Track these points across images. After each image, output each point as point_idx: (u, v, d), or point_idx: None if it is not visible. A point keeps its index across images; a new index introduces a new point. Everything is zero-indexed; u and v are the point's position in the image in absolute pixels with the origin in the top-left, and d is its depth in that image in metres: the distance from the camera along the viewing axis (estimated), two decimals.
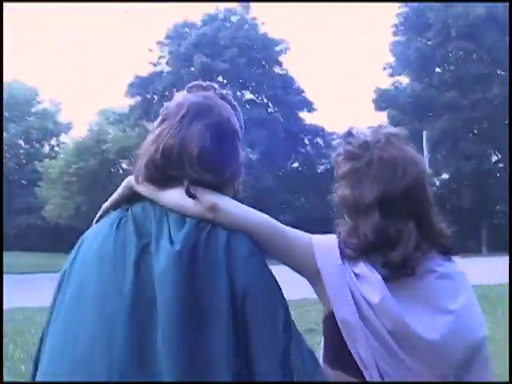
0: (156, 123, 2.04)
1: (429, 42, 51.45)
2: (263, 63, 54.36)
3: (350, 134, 2.17)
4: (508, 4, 36.50)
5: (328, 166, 45.74)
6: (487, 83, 47.16)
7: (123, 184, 2.07)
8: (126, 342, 1.67)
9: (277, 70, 55.41)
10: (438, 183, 54.24)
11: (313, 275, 1.98)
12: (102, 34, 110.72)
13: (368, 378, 1.89)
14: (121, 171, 56.50)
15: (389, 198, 1.99)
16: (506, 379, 5.54)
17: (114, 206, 2.05)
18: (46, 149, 65.48)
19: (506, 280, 18.51)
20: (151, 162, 1.93)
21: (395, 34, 53.37)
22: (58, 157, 55.94)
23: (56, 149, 64.71)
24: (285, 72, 55.52)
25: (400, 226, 1.98)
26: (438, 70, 51.90)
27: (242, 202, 1.97)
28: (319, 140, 56.23)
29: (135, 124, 54.57)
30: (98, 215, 2.08)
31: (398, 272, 1.94)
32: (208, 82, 2.14)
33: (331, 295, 1.93)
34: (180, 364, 1.63)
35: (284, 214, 40.28)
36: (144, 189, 1.96)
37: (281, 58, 55.17)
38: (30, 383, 1.94)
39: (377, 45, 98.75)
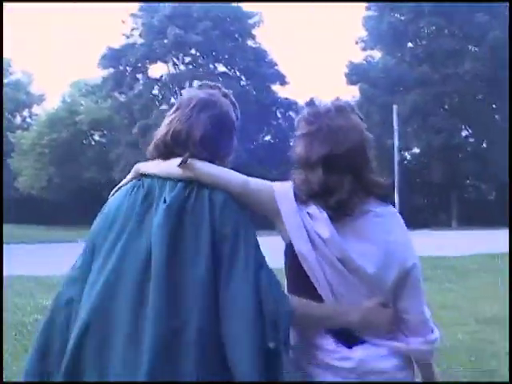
0: (171, 111, 2.60)
1: (401, 17, 51.56)
2: (236, 36, 53.97)
3: (311, 102, 2.69)
4: (508, 4, 36.71)
5: None
6: (458, 58, 47.41)
7: (133, 170, 2.60)
8: (133, 284, 2.22)
9: (250, 42, 54.94)
10: (408, 157, 54.70)
11: (275, 215, 2.47)
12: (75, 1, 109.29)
13: (324, 299, 2.41)
14: (93, 143, 56.38)
15: (331, 158, 2.46)
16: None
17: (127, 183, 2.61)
18: (18, 120, 65.02)
19: (473, 252, 19.01)
20: (162, 141, 2.51)
21: (368, 8, 53.33)
22: (30, 128, 55.79)
23: (28, 120, 64.30)
24: (258, 45, 55.13)
25: (338, 179, 2.44)
26: (410, 44, 52.10)
27: None
28: (291, 113, 56.28)
29: (108, 96, 54.49)
30: (113, 191, 2.63)
31: (338, 213, 2.43)
32: (214, 83, 2.72)
33: (289, 230, 2.43)
34: (164, 293, 2.17)
35: None
36: (147, 168, 2.52)
37: (254, 31, 54.81)
38: (31, 383, 2.35)
39: (350, 19, 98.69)
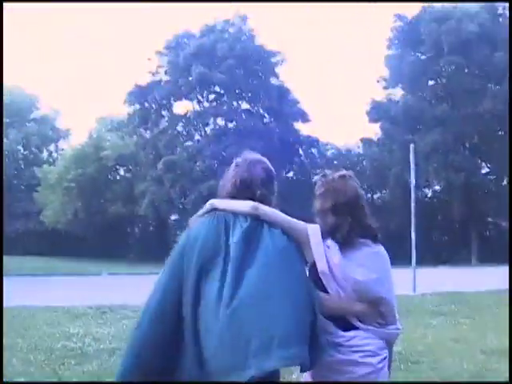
0: (232, 167, 3.78)
1: (422, 57, 52.42)
2: (260, 74, 54.47)
3: (324, 174, 3.90)
4: (508, 4, 36.94)
5: None
6: (478, 98, 47.98)
7: (208, 204, 3.71)
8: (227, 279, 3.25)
9: (273, 80, 55.49)
10: (429, 194, 54.88)
11: (305, 245, 3.63)
12: (102, 39, 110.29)
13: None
14: (118, 178, 56.95)
15: (336, 207, 3.72)
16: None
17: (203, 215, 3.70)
18: (45, 155, 65.71)
19: (489, 288, 19.31)
20: (233, 186, 3.68)
21: (389, 47, 54.24)
22: (56, 163, 56.48)
23: (54, 155, 64.92)
24: (281, 83, 55.81)
25: (342, 220, 3.70)
26: (430, 83, 52.63)
27: None
28: (313, 150, 56.92)
29: (133, 132, 55.43)
30: (192, 219, 3.72)
31: (343, 244, 3.67)
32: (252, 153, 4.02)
33: (316, 257, 3.62)
34: (236, 273, 3.24)
35: None
36: (222, 204, 3.64)
37: (277, 70, 55.49)
38: (31, 383, 2.99)
39: (372, 58, 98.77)
